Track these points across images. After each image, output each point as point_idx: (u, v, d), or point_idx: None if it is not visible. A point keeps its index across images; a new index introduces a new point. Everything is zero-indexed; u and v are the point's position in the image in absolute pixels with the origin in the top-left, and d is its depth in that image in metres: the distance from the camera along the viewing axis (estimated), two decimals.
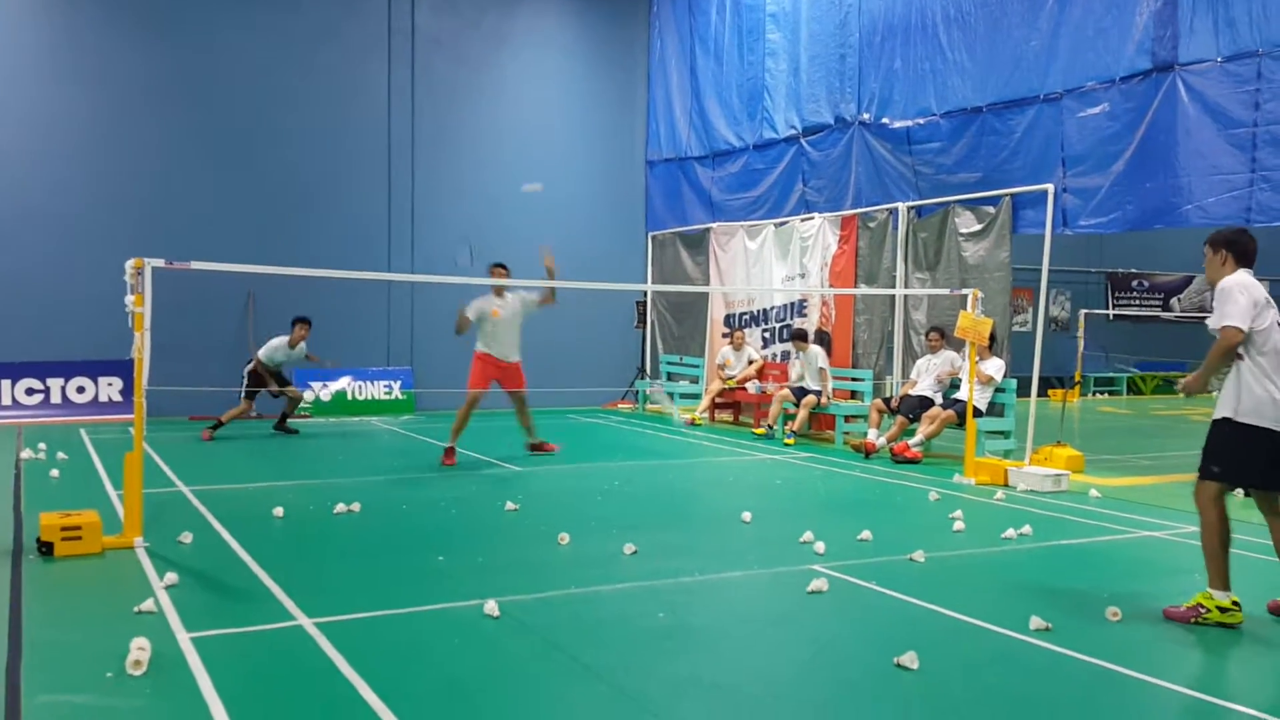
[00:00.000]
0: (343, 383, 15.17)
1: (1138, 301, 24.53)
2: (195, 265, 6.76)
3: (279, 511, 7.38)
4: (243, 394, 12.38)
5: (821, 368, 12.53)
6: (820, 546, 6.53)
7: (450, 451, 10.15)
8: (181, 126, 14.12)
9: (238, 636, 4.65)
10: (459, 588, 5.48)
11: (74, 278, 13.37)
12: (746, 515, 7.54)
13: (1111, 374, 23.56)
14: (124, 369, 13.70)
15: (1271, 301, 5.05)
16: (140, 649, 4.19)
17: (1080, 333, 21.43)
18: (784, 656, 4.65)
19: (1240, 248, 5.16)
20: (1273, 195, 8.35)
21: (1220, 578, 5.10)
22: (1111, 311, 23.67)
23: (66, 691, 3.94)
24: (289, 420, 12.96)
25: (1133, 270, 24.36)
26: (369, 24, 15.33)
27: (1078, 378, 20.92)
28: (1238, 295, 4.98)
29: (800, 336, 12.93)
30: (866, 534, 6.94)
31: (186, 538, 6.47)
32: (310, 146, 14.91)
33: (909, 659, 4.37)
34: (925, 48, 12.00)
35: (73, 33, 13.64)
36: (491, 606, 5.01)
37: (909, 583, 5.79)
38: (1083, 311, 21.80)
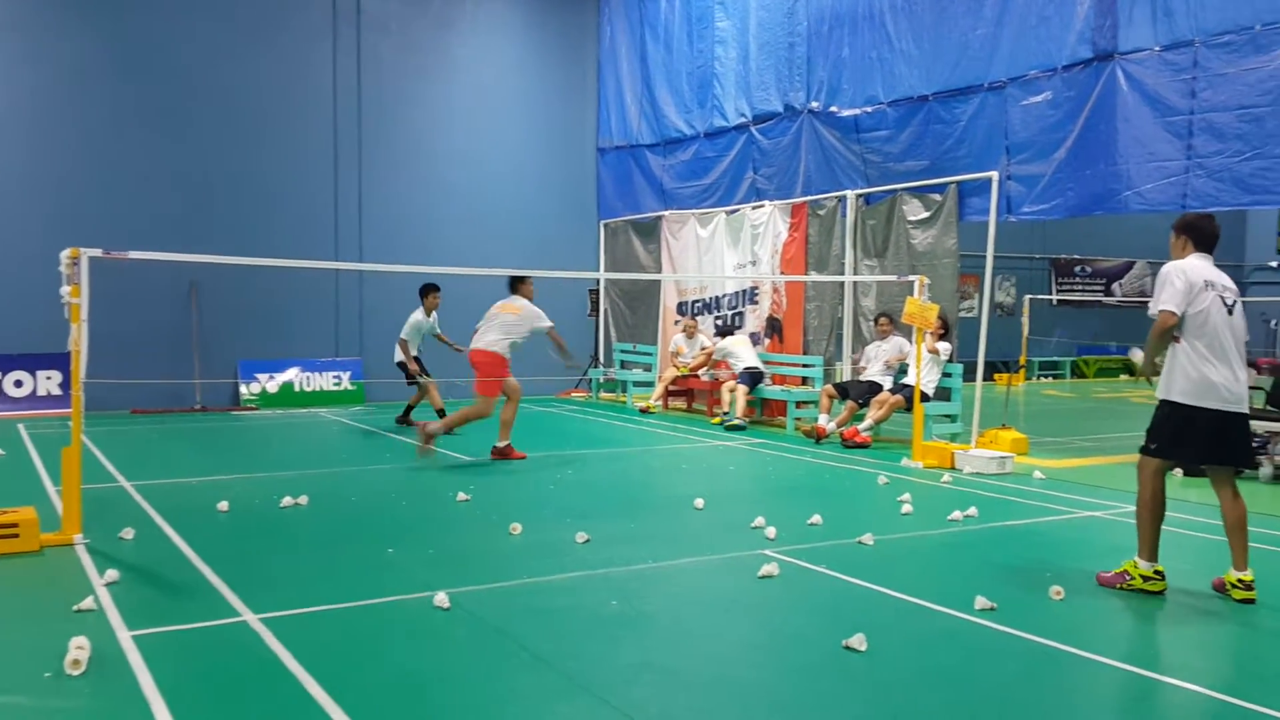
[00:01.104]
0: (290, 373, 14.97)
1: (1080, 287, 24.98)
2: (134, 255, 6.61)
3: (223, 506, 7.27)
4: (415, 380, 12.16)
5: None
6: (771, 531, 6.58)
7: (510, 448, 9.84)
8: (119, 112, 13.79)
9: (180, 634, 4.56)
10: (409, 580, 5.44)
11: (8, 269, 13.01)
12: (699, 502, 7.57)
13: (1056, 358, 23.98)
14: (62, 362, 13.37)
15: (1216, 284, 5.15)
16: (79, 648, 4.10)
17: (1025, 318, 21.79)
18: (735, 641, 4.68)
19: (1199, 232, 5.30)
20: (1208, 181, 8.54)
21: (1148, 548, 5.30)
22: (1055, 297, 24.09)
23: (3, 692, 3.85)
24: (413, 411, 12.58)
25: (1075, 256, 24.80)
26: (314, 7, 15.08)
27: (1022, 362, 21.29)
28: (1174, 279, 5.12)
29: (724, 333, 13.56)
30: (817, 518, 7.00)
31: (128, 534, 6.35)
32: (255, 132, 14.65)
33: (857, 641, 4.41)
34: (873, 36, 12.09)
35: (1, 13, 13.25)
36: (441, 598, 4.98)
37: (858, 566, 5.85)
38: (1027, 297, 22.15)
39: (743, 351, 12.96)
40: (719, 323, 14.77)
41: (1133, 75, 9.27)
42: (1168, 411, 5.22)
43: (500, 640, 4.55)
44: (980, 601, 5.04)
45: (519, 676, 4.13)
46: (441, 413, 11.58)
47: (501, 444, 9.85)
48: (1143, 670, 4.30)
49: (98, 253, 6.23)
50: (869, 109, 12.21)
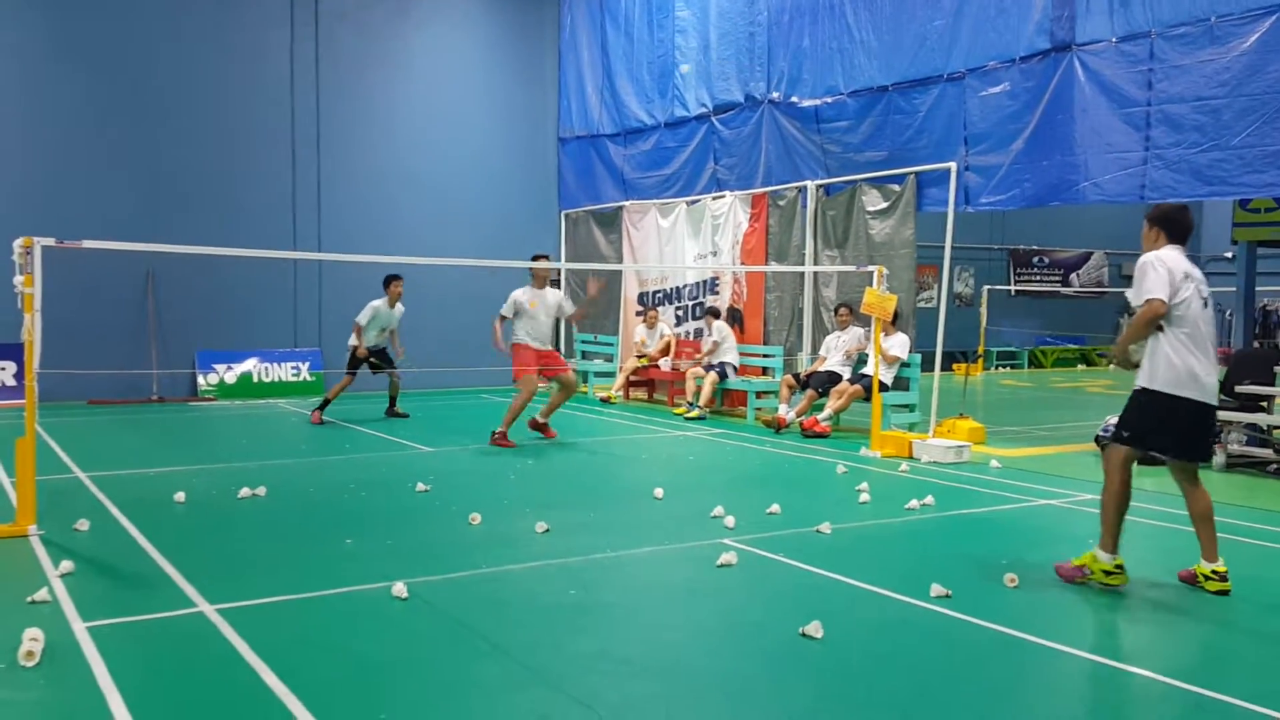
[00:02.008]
0: (248, 364, 14.82)
1: (1038, 277, 25.31)
2: (88, 244, 6.52)
3: (180, 497, 7.20)
4: (346, 369, 12.13)
5: (714, 340, 12.95)
6: (730, 520, 6.62)
7: (505, 435, 10.04)
8: (72, 100, 13.53)
9: (136, 625, 4.52)
10: (367, 570, 5.42)
11: None
12: (659, 491, 7.60)
13: (1013, 348, 24.30)
14: (16, 353, 13.10)
15: (1193, 276, 5.19)
16: (33, 639, 4.05)
17: (983, 308, 22.04)
18: (693, 629, 4.71)
19: (1173, 224, 5.30)
20: (1165, 173, 8.66)
21: (1110, 540, 5.30)
22: (1013, 287, 24.38)
23: None
24: (398, 402, 12.51)
25: (1034, 246, 25.12)
26: None
27: (980, 352, 21.55)
28: (1156, 268, 5.10)
29: (714, 313, 13.26)
30: (775, 507, 7.05)
31: (83, 525, 6.27)
32: (211, 121, 14.44)
33: (814, 628, 4.47)
34: (833, 27, 12.14)
35: None
36: (400, 588, 4.97)
37: (816, 554, 5.92)
38: (985, 287, 22.40)
39: (729, 344, 12.99)
40: (679, 313, 14.81)
41: (1090, 66, 9.38)
42: (1147, 400, 5.21)
43: (458, 630, 4.55)
44: (935, 589, 5.11)
45: (477, 666, 4.14)
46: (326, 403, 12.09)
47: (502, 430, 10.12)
48: (1098, 657, 4.38)
49: (51, 242, 6.14)
50: (829, 99, 12.27)
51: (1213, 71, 8.46)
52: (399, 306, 12.28)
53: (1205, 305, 5.24)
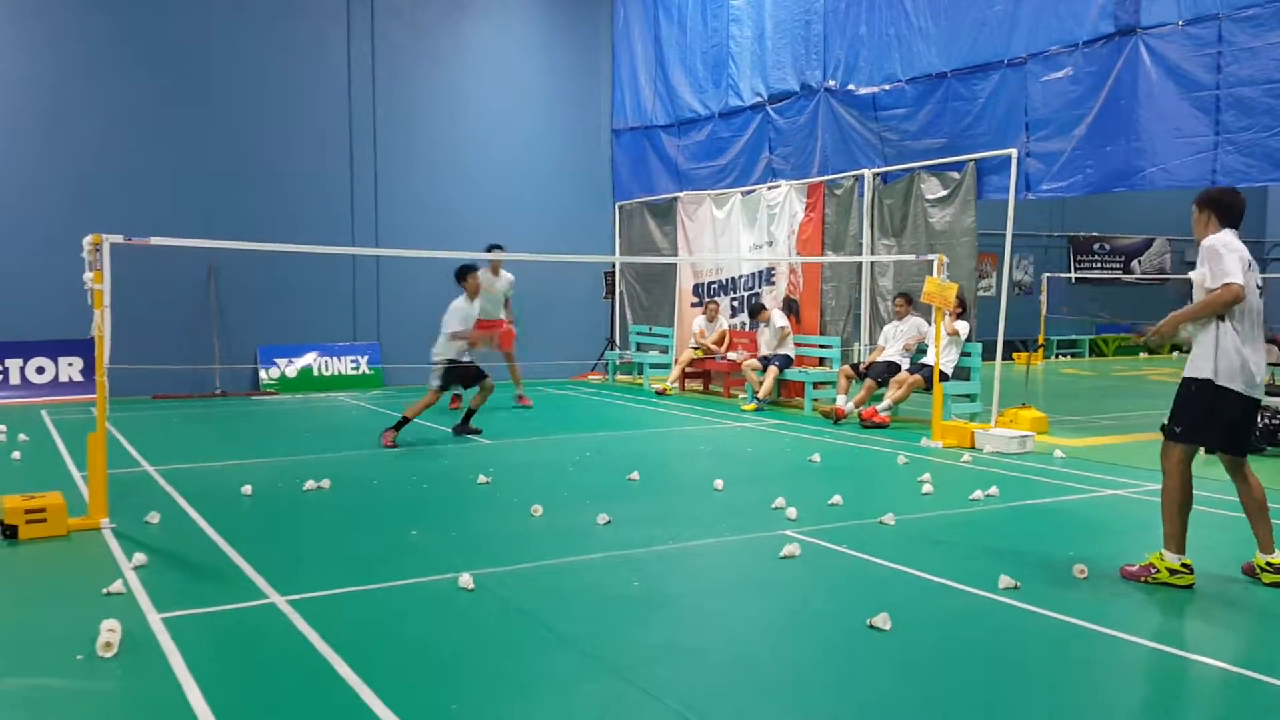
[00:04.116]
0: (309, 358, 15.03)
1: (1099, 264, 24.79)
2: (155, 241, 6.64)
3: (247, 489, 7.32)
4: (433, 384, 10.14)
5: (781, 326, 12.79)
6: (792, 512, 6.58)
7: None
8: (135, 98, 13.81)
9: (209, 616, 4.61)
10: (433, 562, 5.47)
11: (29, 255, 13.09)
12: (719, 483, 7.57)
13: (1074, 336, 23.84)
14: (84, 348, 13.48)
15: (1252, 264, 5.06)
16: (110, 630, 4.15)
17: (1043, 296, 21.61)
18: (758, 621, 4.69)
19: (1225, 207, 5.14)
20: (1237, 157, 8.42)
21: (1175, 539, 5.15)
22: (1074, 275, 23.91)
23: (36, 675, 3.90)
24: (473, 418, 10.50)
25: (1094, 234, 24.60)
26: None
27: (1040, 341, 21.16)
28: (1226, 253, 4.96)
29: (760, 310, 13.14)
30: (837, 498, 6.99)
31: (154, 518, 6.40)
32: (269, 117, 14.66)
33: (881, 620, 4.42)
34: (890, 13, 11.97)
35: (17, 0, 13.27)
36: (466, 579, 5.01)
37: (880, 545, 5.85)
38: (1045, 275, 21.97)
39: (787, 335, 12.93)
40: (734, 304, 14.74)
41: (1156, 50, 9.15)
42: (1199, 391, 5.08)
43: (525, 621, 4.57)
44: (1004, 580, 5.03)
45: (546, 657, 4.15)
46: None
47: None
48: (1170, 648, 4.29)
49: (119, 238, 6.26)
50: (886, 87, 12.12)
51: None
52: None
53: (1260, 295, 5.15)
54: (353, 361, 15.40)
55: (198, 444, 9.99)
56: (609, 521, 6.38)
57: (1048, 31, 10.16)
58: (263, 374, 14.66)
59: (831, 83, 12.91)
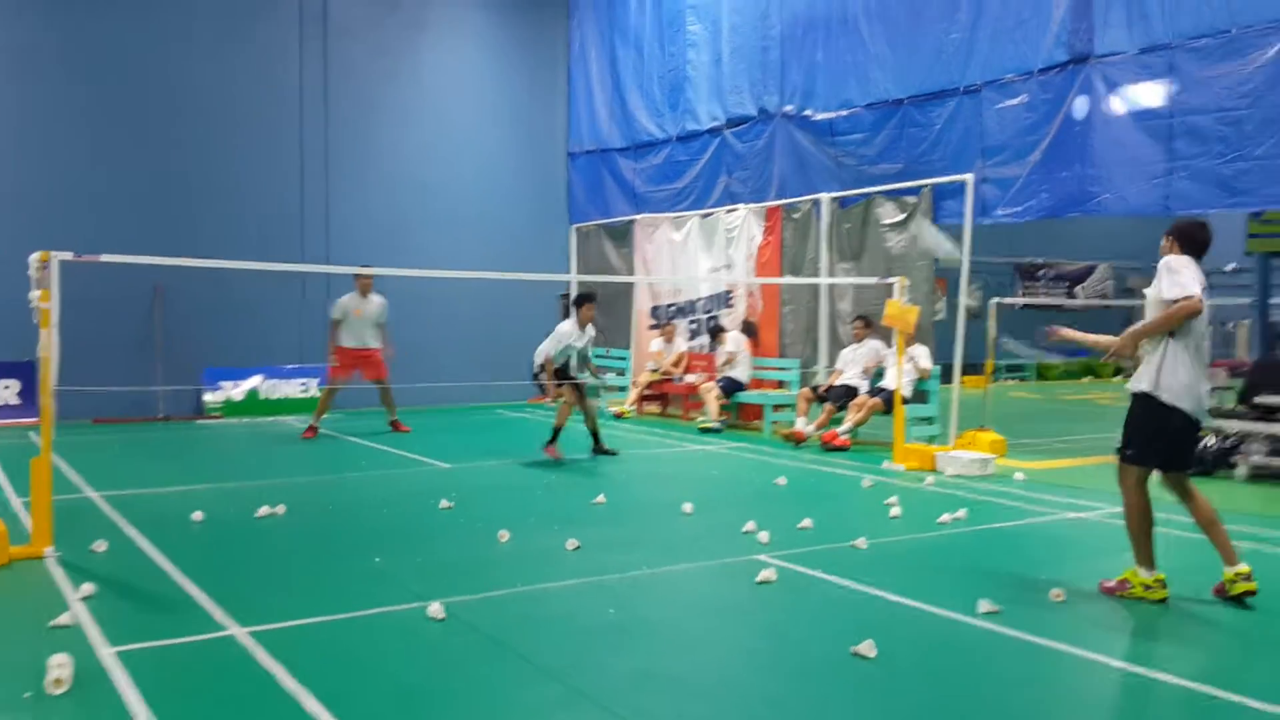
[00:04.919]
0: (255, 381, 14.67)
1: (1044, 290, 25.25)
2: (105, 258, 6.40)
3: (198, 516, 7.06)
4: (552, 396, 10.28)
5: (730, 350, 12.91)
6: (764, 536, 6.49)
7: (312, 429, 11.69)
8: (78, 114, 13.43)
9: (166, 649, 4.38)
10: (399, 590, 5.28)
11: None
12: (687, 506, 7.47)
13: (1020, 360, 24.20)
14: (22, 370, 13.02)
15: (1206, 288, 5.13)
16: (60, 666, 3.91)
17: (992, 321, 21.89)
18: (740, 647, 4.59)
19: (1191, 240, 5.23)
20: (1190, 184, 8.58)
21: (1144, 557, 5.25)
22: (1021, 300, 24.27)
23: None
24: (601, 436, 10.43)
25: (1039, 260, 25.06)
26: (279, 9, 14.81)
27: (989, 365, 21.42)
28: (1183, 268, 5.04)
29: (718, 332, 13.28)
30: (807, 522, 6.93)
31: (100, 546, 6.12)
32: (218, 135, 14.34)
33: (866, 647, 4.33)
34: (847, 40, 12.08)
35: None
36: (436, 608, 4.83)
37: (855, 569, 5.79)
38: (994, 300, 22.28)
39: (744, 357, 12.93)
40: (693, 326, 14.71)
41: (1109, 78, 9.32)
42: (1147, 408, 5.13)
43: (500, 651, 4.42)
44: (984, 605, 4.98)
45: (524, 688, 4.00)
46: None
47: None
48: (1156, 673, 4.24)
49: (68, 256, 6.03)
50: (843, 112, 12.21)
51: (1235, 83, 8.41)
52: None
53: (1208, 321, 5.25)
54: (301, 384, 15.05)
55: (143, 469, 9.65)
56: (578, 547, 6.24)
57: (1003, 59, 10.32)
58: (208, 397, 14.26)
59: (789, 108, 12.99)
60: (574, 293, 16.62)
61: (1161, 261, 5.18)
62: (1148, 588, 5.22)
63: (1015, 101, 10.19)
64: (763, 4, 13.29)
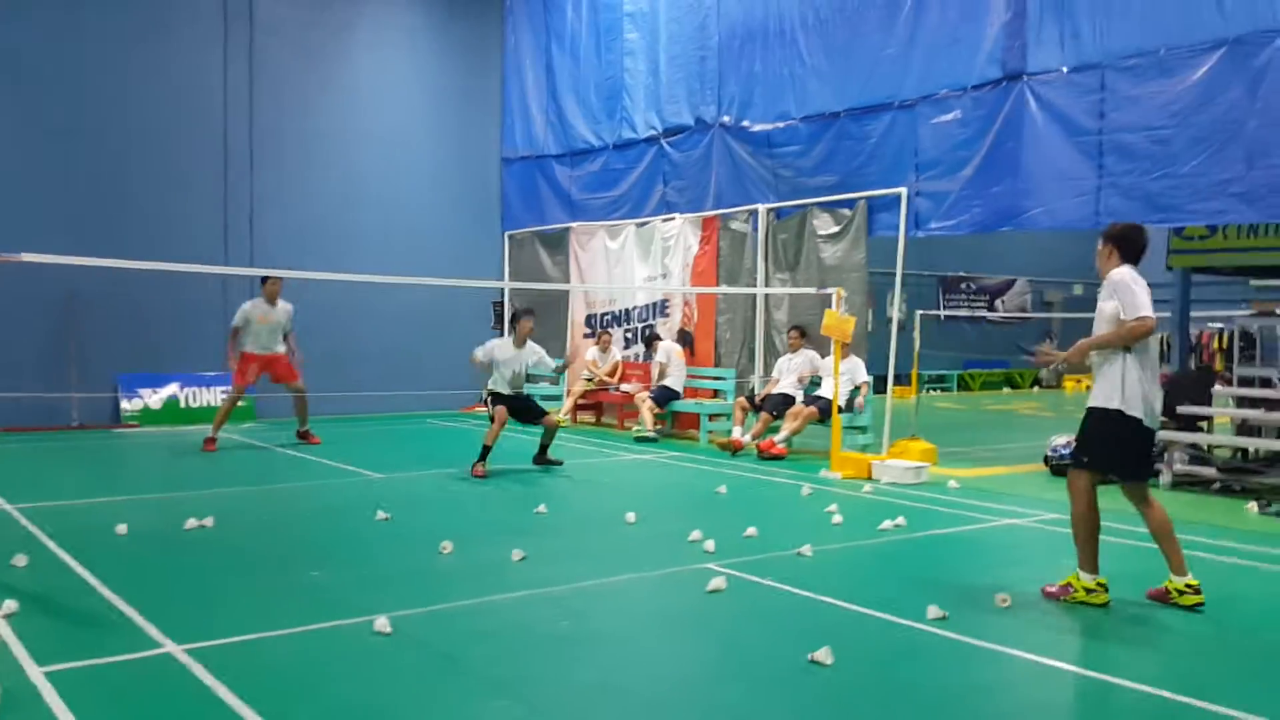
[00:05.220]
0: (174, 389, 14.20)
1: (966, 303, 25.81)
2: (27, 257, 6.11)
3: (122, 529, 6.76)
4: (489, 408, 10.03)
5: (660, 361, 12.99)
6: (710, 545, 6.46)
7: (211, 441, 11.21)
8: None
9: (99, 668, 4.16)
10: (342, 604, 5.12)
11: None
12: (630, 516, 7.40)
13: (943, 371, 24.67)
14: None
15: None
16: None
17: (916, 332, 22.31)
18: (696, 657, 4.54)
19: (1130, 244, 5.34)
20: (1120, 199, 8.81)
21: (1088, 561, 5.34)
22: (943, 312, 24.78)
23: None
24: (549, 450, 10.15)
25: (961, 273, 25.60)
26: (204, 8, 14.40)
27: (914, 376, 21.81)
28: (1135, 286, 5.14)
29: (654, 340, 13.34)
30: (752, 530, 6.91)
31: (20, 560, 5.82)
32: (138, 135, 13.86)
33: (824, 654, 4.32)
34: (784, 53, 12.17)
35: None
36: (382, 623, 4.68)
37: (803, 577, 5.79)
38: (918, 312, 22.69)
39: (675, 366, 12.93)
40: (628, 335, 14.67)
41: (1041, 95, 9.53)
42: (1106, 420, 5.22)
43: (451, 666, 4.30)
44: (932, 610, 5.01)
45: (476, 703, 3.90)
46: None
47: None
48: (1110, 677, 4.29)
49: None
50: (781, 124, 12.30)
51: (1163, 102, 8.64)
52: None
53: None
54: (222, 392, 14.60)
55: (60, 480, 9.24)
56: (524, 558, 6.13)
57: (938, 75, 10.49)
58: (124, 405, 13.76)
59: (726, 118, 13.04)
60: (507, 300, 16.52)
61: (1114, 277, 5.23)
62: (1090, 591, 5.32)
63: (949, 117, 10.37)
64: (700, 14, 13.34)
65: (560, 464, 10.18)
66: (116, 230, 13.39)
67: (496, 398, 10.00)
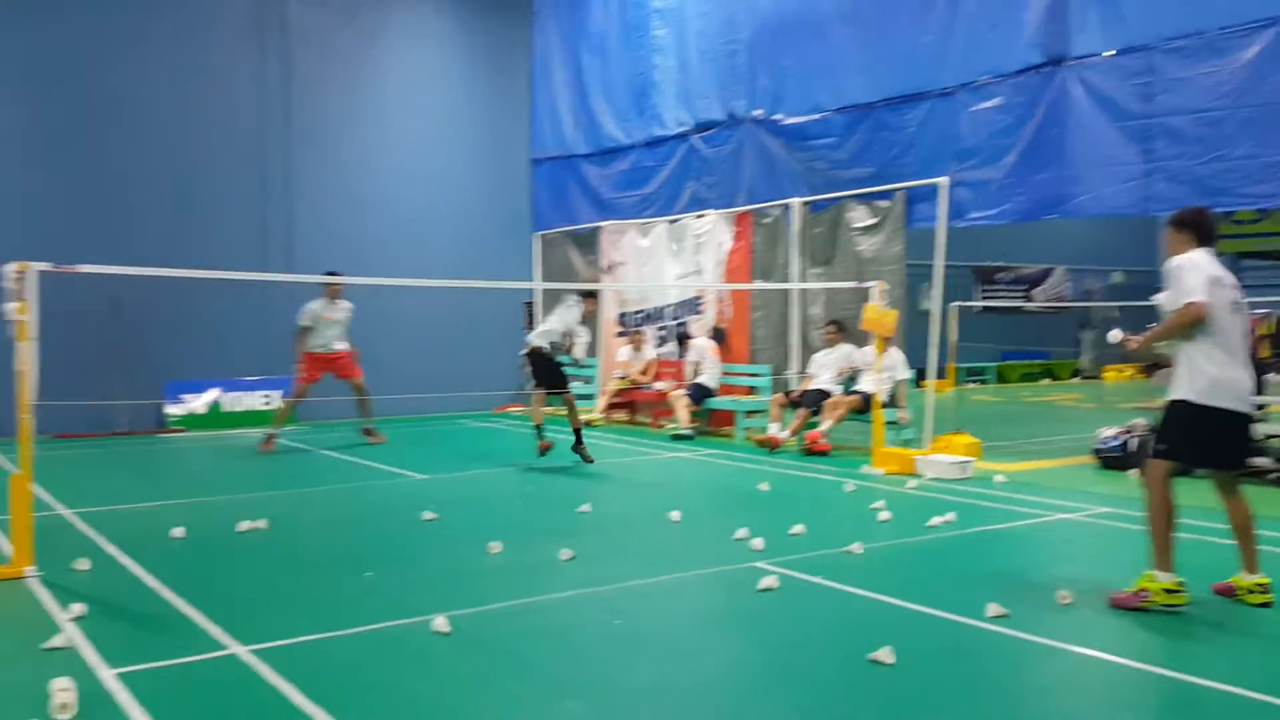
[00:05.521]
0: (217, 394, 14.36)
1: (1003, 293, 25.58)
2: (84, 268, 6.20)
3: (179, 532, 6.85)
4: (532, 386, 10.44)
5: (695, 360, 13.00)
6: (758, 543, 6.45)
7: (270, 439, 11.42)
8: (37, 124, 13.05)
9: (169, 670, 4.22)
10: (398, 604, 5.15)
11: None
12: (675, 514, 7.40)
13: (981, 363, 24.47)
14: None
15: (1224, 281, 5.06)
16: (64, 690, 3.74)
17: (953, 324, 22.12)
18: (754, 657, 4.53)
19: (1201, 229, 5.18)
20: (1168, 184, 8.68)
21: (1164, 559, 5.08)
22: (980, 303, 24.56)
23: None
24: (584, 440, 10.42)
25: (998, 263, 25.37)
26: (237, 17, 14.54)
27: (950, 368, 21.64)
28: (1188, 272, 4.99)
29: (687, 338, 13.39)
30: (799, 528, 6.89)
31: (83, 564, 5.92)
32: (177, 145, 14.02)
33: (885, 654, 4.30)
34: (817, 45, 12.10)
35: None
36: (441, 622, 4.71)
37: (855, 575, 5.76)
38: (955, 304, 22.53)
39: (709, 364, 12.92)
40: (661, 333, 14.66)
41: (1086, 80, 9.39)
42: (1179, 411, 5.09)
43: (515, 665, 4.32)
44: (992, 609, 4.97)
45: (543, 703, 3.91)
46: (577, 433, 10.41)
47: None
48: (1188, 676, 4.20)
49: (47, 266, 5.83)
50: (814, 117, 12.23)
51: (1214, 84, 8.49)
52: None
53: (1236, 310, 5.11)
54: (264, 396, 14.77)
55: (113, 485, 9.37)
56: (572, 557, 6.15)
57: (977, 62, 10.37)
58: (171, 409, 13.93)
59: (758, 112, 12.99)
60: (539, 301, 16.58)
61: (1168, 264, 5.12)
62: (1170, 592, 5.00)
63: (990, 104, 10.26)
64: (730, 8, 13.29)
65: (591, 461, 10.25)
66: (158, 238, 13.57)
67: (534, 354, 10.41)
